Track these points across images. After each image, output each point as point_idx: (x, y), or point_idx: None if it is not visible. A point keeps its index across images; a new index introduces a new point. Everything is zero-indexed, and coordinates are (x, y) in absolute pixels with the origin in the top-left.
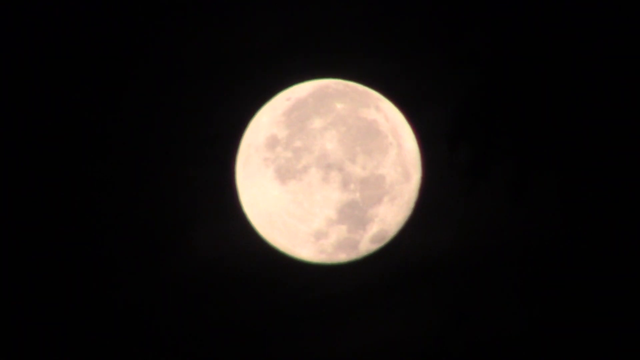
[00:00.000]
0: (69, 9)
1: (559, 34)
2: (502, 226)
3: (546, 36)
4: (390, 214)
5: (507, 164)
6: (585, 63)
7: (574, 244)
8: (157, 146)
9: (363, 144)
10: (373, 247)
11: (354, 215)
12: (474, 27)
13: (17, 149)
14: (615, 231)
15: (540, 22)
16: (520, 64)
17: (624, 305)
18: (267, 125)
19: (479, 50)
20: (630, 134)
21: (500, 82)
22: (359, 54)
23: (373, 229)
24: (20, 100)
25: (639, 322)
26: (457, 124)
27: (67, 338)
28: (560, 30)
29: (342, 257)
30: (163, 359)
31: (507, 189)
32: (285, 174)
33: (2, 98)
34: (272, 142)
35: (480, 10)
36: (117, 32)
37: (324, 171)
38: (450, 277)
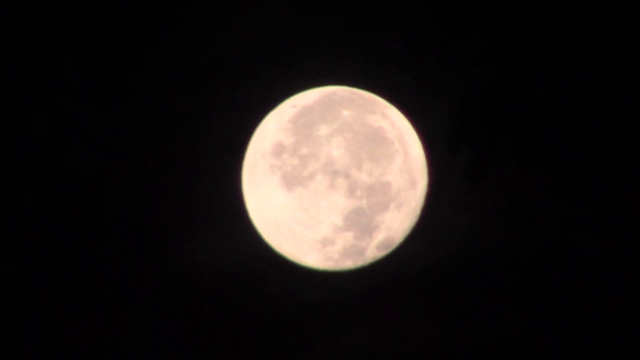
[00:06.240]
0: (71, 14)
1: (559, 34)
2: (502, 227)
3: (546, 36)
4: (397, 221)
5: (507, 164)
6: (586, 63)
7: (574, 244)
8: (163, 152)
9: (369, 150)
10: (379, 254)
11: (360, 222)
12: (475, 28)
13: (17, 154)
14: (615, 232)
15: (540, 23)
16: (520, 64)
17: (624, 306)
18: (273, 132)
19: (480, 51)
20: (630, 134)
21: (500, 82)
22: (365, 61)
23: (379, 236)
24: (20, 104)
25: (639, 322)
26: (457, 124)
27: (68, 339)
28: (560, 31)
29: (349, 264)
30: None
31: (507, 190)
32: (291, 181)
33: (2, 101)
34: (279, 149)
35: (481, 12)
36: (121, 37)
37: (330, 178)
38: (453, 280)
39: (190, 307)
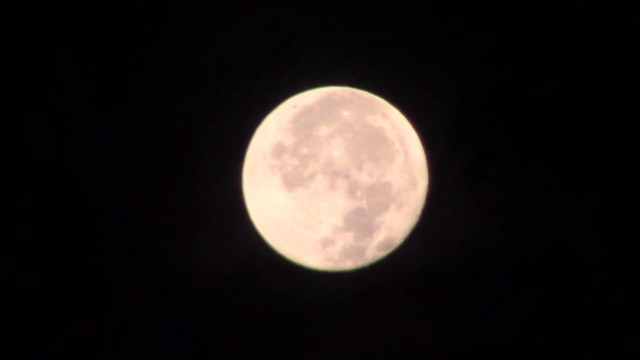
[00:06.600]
0: (71, 14)
1: (559, 34)
2: (502, 227)
3: (546, 36)
4: (397, 222)
5: (507, 164)
6: (586, 63)
7: (574, 244)
8: (163, 153)
9: (369, 151)
10: (380, 254)
11: (360, 222)
12: (475, 28)
13: (17, 154)
14: (615, 232)
15: (540, 23)
16: (520, 64)
17: (624, 306)
18: (273, 133)
19: (480, 51)
20: (630, 134)
21: (500, 82)
22: (365, 61)
23: (380, 237)
24: (19, 104)
25: (638, 323)
26: (457, 124)
27: (68, 339)
28: (561, 31)
29: (349, 264)
30: None
31: (507, 190)
32: (291, 181)
33: (2, 101)
34: (279, 150)
35: (481, 12)
36: (121, 37)
37: (331, 178)
38: (453, 280)
39: (190, 307)
